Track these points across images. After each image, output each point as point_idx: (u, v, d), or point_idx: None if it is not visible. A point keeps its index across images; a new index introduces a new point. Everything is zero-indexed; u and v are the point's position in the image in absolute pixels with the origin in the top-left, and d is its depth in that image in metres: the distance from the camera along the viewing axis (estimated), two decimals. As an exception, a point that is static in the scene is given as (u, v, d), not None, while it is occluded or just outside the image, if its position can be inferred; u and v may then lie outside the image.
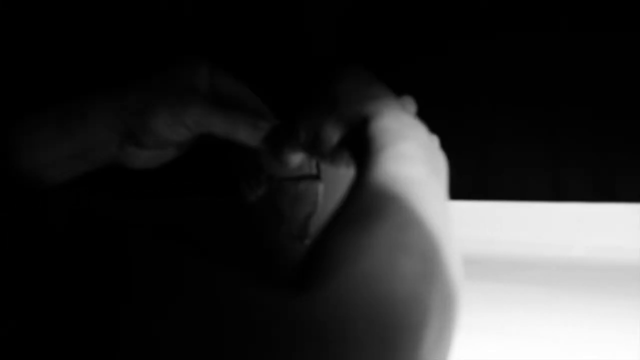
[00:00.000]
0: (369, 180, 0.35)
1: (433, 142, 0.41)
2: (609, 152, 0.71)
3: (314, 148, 0.45)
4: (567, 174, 0.73)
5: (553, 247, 0.70)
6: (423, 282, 0.30)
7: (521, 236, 0.71)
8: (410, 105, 0.50)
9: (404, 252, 0.30)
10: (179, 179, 0.87)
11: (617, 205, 0.69)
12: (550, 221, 0.71)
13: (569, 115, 0.72)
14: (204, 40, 0.87)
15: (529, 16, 0.71)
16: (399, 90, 0.54)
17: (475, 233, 0.72)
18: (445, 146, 0.79)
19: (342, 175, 0.52)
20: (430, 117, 0.73)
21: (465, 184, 0.77)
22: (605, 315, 0.51)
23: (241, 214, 0.56)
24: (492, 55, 0.73)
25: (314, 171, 0.53)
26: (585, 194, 0.72)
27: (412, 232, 0.31)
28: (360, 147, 0.40)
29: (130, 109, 0.47)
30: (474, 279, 0.62)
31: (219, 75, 0.50)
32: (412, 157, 0.37)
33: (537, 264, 0.67)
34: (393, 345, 0.27)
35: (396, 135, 0.38)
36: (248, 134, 0.48)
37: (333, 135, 0.44)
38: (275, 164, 0.52)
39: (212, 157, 0.69)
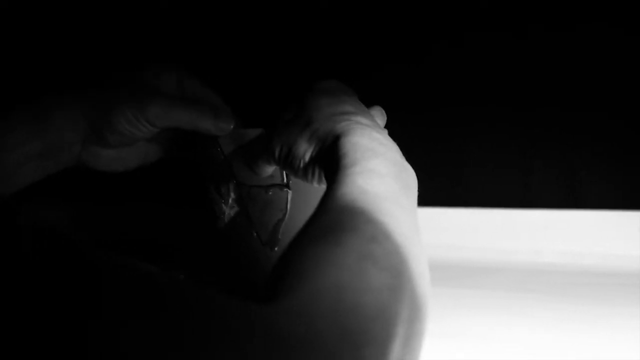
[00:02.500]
0: (339, 195, 0.35)
1: (402, 157, 0.41)
2: (578, 160, 0.72)
3: (287, 163, 0.46)
4: (537, 182, 0.74)
5: (521, 253, 0.71)
6: (391, 294, 0.30)
7: (490, 242, 0.72)
8: (381, 115, 0.51)
9: (372, 265, 0.30)
10: (149, 188, 0.86)
11: (584, 212, 0.70)
12: (519, 227, 0.72)
13: (540, 123, 0.73)
14: (180, 45, 0.87)
15: (498, 21, 0.72)
16: (371, 98, 0.54)
17: (445, 239, 0.73)
18: (417, 153, 0.79)
19: (312, 185, 0.52)
20: (403, 124, 0.74)
21: (436, 191, 0.77)
22: (572, 320, 0.52)
23: (211, 221, 0.56)
24: (464, 63, 0.74)
25: (283, 179, 0.53)
26: (554, 201, 0.73)
27: (380, 245, 0.32)
28: (332, 163, 0.40)
29: (95, 107, 0.47)
30: (444, 285, 0.62)
31: (186, 79, 0.51)
32: (381, 173, 0.38)
33: (505, 269, 0.68)
34: (359, 356, 0.27)
35: (366, 151, 0.39)
36: (210, 123, 0.49)
37: (305, 150, 0.45)
38: (247, 173, 0.53)
39: (183, 165, 0.69)
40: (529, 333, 0.49)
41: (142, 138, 0.50)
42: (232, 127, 0.51)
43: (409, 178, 0.40)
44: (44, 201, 0.94)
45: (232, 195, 0.54)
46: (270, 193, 0.53)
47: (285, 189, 0.53)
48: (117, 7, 0.86)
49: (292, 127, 0.46)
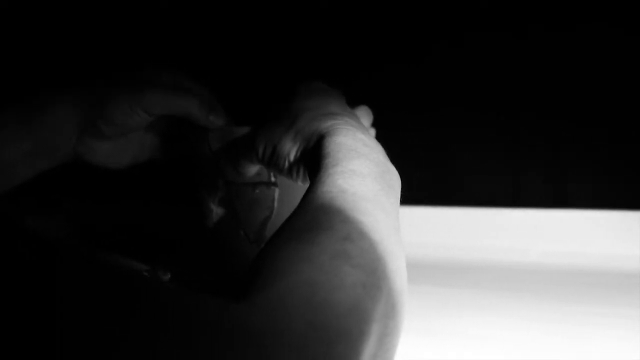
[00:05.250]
0: (318, 194, 0.36)
1: (386, 158, 0.42)
2: (566, 159, 0.73)
3: (272, 162, 0.47)
4: (525, 181, 0.75)
5: (510, 252, 0.71)
6: (364, 292, 0.30)
7: (479, 241, 0.73)
8: (367, 115, 0.51)
9: (346, 263, 0.31)
10: (141, 186, 0.86)
11: (572, 211, 0.71)
12: (508, 227, 0.72)
13: (528, 123, 0.73)
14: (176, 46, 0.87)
15: (488, 23, 0.72)
16: (364, 97, 0.54)
17: (433, 238, 0.73)
18: (407, 152, 0.80)
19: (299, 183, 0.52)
20: (394, 124, 0.74)
21: (425, 190, 0.77)
22: (559, 320, 0.52)
23: (199, 218, 0.56)
24: (452, 64, 0.74)
25: (270, 177, 0.53)
26: (543, 200, 0.73)
27: (354, 244, 0.32)
28: (315, 162, 0.41)
29: (90, 100, 0.48)
30: (431, 283, 0.62)
31: (185, 80, 0.53)
32: (362, 174, 0.38)
33: (493, 268, 0.68)
34: (331, 352, 0.27)
35: (349, 151, 0.40)
36: (203, 113, 0.50)
37: (290, 149, 0.45)
38: (233, 172, 0.53)
39: (173, 164, 0.69)
40: (516, 332, 0.49)
41: (137, 127, 0.50)
42: (222, 123, 0.52)
43: (392, 179, 0.40)
44: (40, 200, 0.94)
45: (220, 193, 0.54)
46: (257, 191, 0.53)
47: (272, 187, 0.53)
48: (117, 7, 0.86)
49: (277, 126, 0.46)
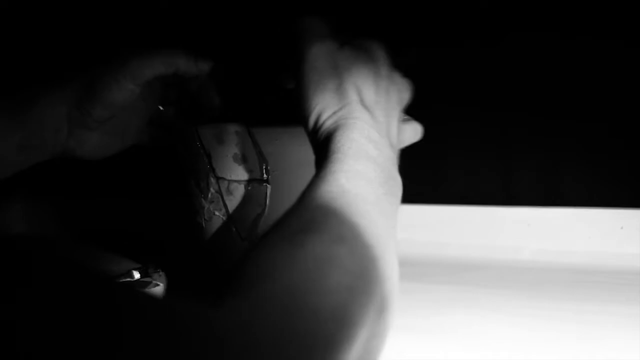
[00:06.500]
0: (319, 193, 0.35)
1: (394, 166, 0.41)
2: (559, 157, 0.73)
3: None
4: (518, 179, 0.75)
5: (502, 250, 0.71)
6: (350, 296, 0.29)
7: (471, 239, 0.72)
8: (413, 132, 0.49)
9: (333, 266, 0.30)
10: (130, 181, 0.85)
11: (565, 209, 0.71)
12: (500, 224, 0.72)
13: (521, 120, 0.73)
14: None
15: (479, 21, 0.72)
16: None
17: (426, 236, 0.73)
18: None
19: (292, 179, 0.52)
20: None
21: (418, 188, 0.77)
22: (552, 317, 0.52)
23: (190, 215, 0.56)
24: (445, 62, 0.74)
25: (262, 174, 0.53)
26: (535, 198, 0.73)
27: (346, 246, 0.31)
28: (324, 153, 0.39)
29: (76, 88, 0.49)
30: (424, 281, 0.62)
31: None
32: (368, 177, 0.37)
33: (486, 266, 0.68)
34: (315, 356, 0.27)
35: (360, 151, 0.38)
36: (191, 63, 0.51)
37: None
38: (226, 168, 0.52)
39: (163, 158, 0.68)
40: (510, 330, 0.49)
41: (125, 102, 0.50)
42: (210, 65, 0.52)
43: (395, 187, 0.39)
44: (29, 195, 0.94)
45: (212, 189, 0.54)
46: (249, 188, 0.53)
47: (264, 184, 0.53)
48: (117, 7, 0.86)
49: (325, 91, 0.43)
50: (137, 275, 0.53)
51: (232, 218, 0.53)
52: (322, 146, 0.41)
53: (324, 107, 0.42)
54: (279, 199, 0.53)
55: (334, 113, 0.42)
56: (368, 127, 0.41)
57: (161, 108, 0.56)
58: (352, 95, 0.43)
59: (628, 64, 0.68)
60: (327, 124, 0.42)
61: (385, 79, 0.45)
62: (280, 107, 0.55)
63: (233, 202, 0.53)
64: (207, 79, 0.54)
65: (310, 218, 0.33)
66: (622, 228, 0.68)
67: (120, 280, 0.51)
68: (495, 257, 0.70)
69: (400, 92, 0.47)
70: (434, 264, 0.69)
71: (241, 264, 0.31)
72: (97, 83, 0.49)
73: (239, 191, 0.53)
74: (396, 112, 0.46)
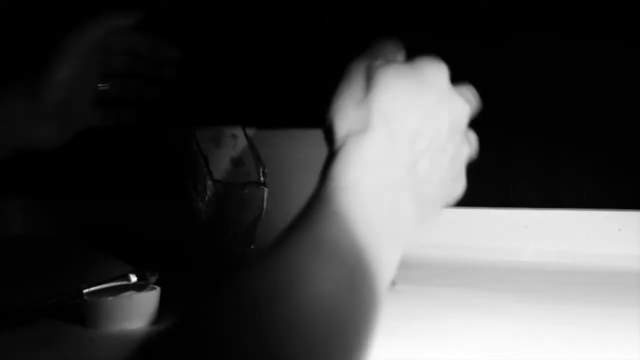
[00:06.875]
0: (297, 241, 0.30)
1: (410, 200, 0.36)
2: (557, 159, 0.73)
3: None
4: (517, 181, 0.75)
5: (502, 252, 0.71)
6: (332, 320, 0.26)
7: (471, 241, 0.72)
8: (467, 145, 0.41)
9: (316, 284, 0.27)
10: (126, 183, 0.85)
11: (564, 211, 0.71)
12: (500, 227, 0.72)
13: (520, 122, 0.73)
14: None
15: (479, 21, 0.72)
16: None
17: (425, 238, 0.73)
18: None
19: (290, 181, 0.52)
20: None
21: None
22: (551, 320, 0.52)
23: (188, 218, 0.56)
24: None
25: (260, 177, 0.53)
26: (534, 200, 0.73)
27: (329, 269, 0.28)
28: (332, 158, 0.35)
29: (25, 79, 0.53)
30: (423, 283, 0.62)
31: None
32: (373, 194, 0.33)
33: (486, 268, 0.68)
34: None
35: (339, 204, 0.32)
36: (118, 18, 0.57)
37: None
38: (223, 171, 0.52)
39: (162, 161, 0.68)
40: (509, 332, 0.49)
41: (71, 75, 0.53)
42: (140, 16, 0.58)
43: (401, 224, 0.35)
44: (29, 195, 0.94)
45: (209, 192, 0.54)
46: (246, 191, 0.53)
47: (261, 187, 0.53)
48: (117, 7, 0.85)
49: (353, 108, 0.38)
50: (133, 278, 0.53)
51: (229, 221, 0.54)
52: (326, 163, 0.36)
53: (339, 119, 0.37)
54: (277, 202, 0.53)
55: (349, 128, 0.37)
56: (372, 152, 0.35)
57: (100, 86, 0.57)
58: (374, 110, 0.37)
59: (628, 64, 0.67)
60: (338, 138, 0.37)
61: (433, 102, 0.38)
62: (280, 108, 0.55)
63: (230, 205, 0.53)
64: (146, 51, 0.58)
65: (318, 237, 0.30)
66: (619, 230, 0.68)
67: (117, 283, 0.51)
68: (493, 259, 0.70)
69: (452, 112, 0.38)
70: (432, 266, 0.69)
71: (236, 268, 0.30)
72: (41, 64, 0.53)
73: (236, 194, 0.53)
74: (446, 144, 0.38)
